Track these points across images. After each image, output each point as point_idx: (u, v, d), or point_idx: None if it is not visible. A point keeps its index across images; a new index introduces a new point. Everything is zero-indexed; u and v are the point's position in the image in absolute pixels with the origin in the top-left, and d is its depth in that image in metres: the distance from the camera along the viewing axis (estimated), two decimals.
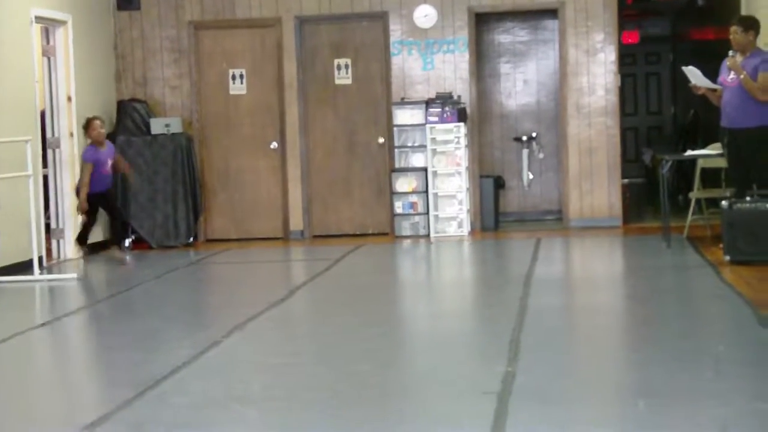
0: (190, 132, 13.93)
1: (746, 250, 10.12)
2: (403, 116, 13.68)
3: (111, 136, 12.97)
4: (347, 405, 5.93)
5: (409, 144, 13.71)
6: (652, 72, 20.36)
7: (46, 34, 12.68)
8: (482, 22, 14.48)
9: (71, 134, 12.74)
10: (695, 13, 17.95)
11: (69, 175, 12.70)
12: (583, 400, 5.93)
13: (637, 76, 20.24)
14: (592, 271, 11.40)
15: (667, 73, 20.14)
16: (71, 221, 12.69)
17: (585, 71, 13.78)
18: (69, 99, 12.74)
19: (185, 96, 14.10)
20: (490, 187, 13.95)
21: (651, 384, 6.07)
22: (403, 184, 13.63)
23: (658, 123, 20.30)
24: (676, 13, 19.30)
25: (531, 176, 14.83)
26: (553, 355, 6.98)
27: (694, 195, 12.19)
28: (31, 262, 11.03)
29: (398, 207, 13.64)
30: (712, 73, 10.85)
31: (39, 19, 12.19)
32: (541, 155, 14.84)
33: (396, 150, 13.74)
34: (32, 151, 11.22)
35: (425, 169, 13.56)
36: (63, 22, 12.67)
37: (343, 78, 14.03)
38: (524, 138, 14.81)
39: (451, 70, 13.89)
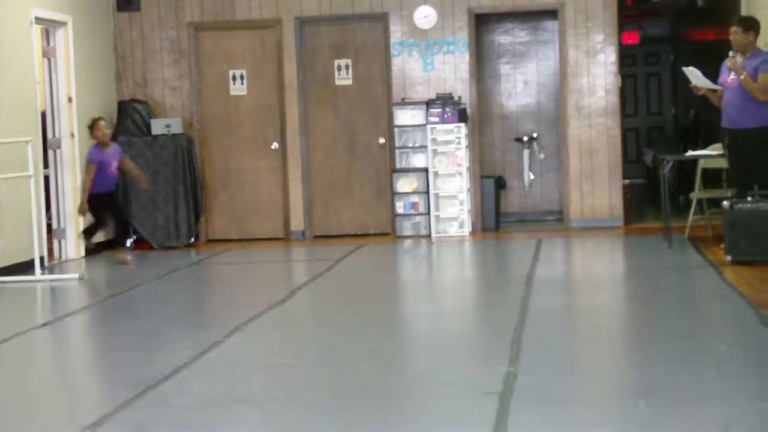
0: (191, 133, 13.93)
1: (747, 250, 10.12)
2: (404, 117, 13.68)
3: (112, 137, 12.94)
4: (348, 405, 5.93)
5: (410, 144, 13.72)
6: (653, 73, 20.37)
7: (47, 35, 12.68)
8: (482, 23, 14.48)
9: (72, 135, 12.74)
10: (695, 14, 17.95)
11: (70, 176, 12.70)
12: (585, 400, 5.92)
13: (638, 76, 20.25)
14: (593, 272, 11.40)
15: (667, 73, 20.15)
16: (72, 221, 12.69)
17: (585, 72, 13.79)
18: (69, 100, 12.75)
19: (185, 97, 14.10)
20: (491, 188, 13.96)
21: (652, 384, 6.07)
22: (404, 184, 13.64)
23: (659, 123, 20.31)
24: (676, 13, 19.30)
25: (532, 177, 14.83)
26: (555, 356, 6.98)
27: (695, 195, 12.19)
28: (32, 262, 11.04)
29: (399, 207, 13.64)
30: (712, 74, 10.85)
31: (39, 20, 12.20)
32: (541, 156, 14.85)
33: (397, 150, 13.74)
34: (33, 151, 11.22)
35: (426, 170, 13.56)
36: (63, 23, 12.67)
37: (344, 79, 14.03)
38: (525, 138, 14.81)
39: (451, 70, 13.89)
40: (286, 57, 13.97)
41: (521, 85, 15.07)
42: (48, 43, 12.69)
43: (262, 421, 5.74)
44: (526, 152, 14.79)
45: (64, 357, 8.09)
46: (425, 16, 13.86)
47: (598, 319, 8.27)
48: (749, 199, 10.26)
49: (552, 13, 14.20)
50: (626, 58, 18.75)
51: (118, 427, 5.68)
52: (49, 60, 12.69)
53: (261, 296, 9.86)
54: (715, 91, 10.84)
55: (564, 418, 5.52)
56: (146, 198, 13.38)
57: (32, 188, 11.09)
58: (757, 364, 6.53)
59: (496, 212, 13.98)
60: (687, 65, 11.14)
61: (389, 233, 13.85)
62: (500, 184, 14.30)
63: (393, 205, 13.71)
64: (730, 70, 10.53)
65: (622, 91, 14.63)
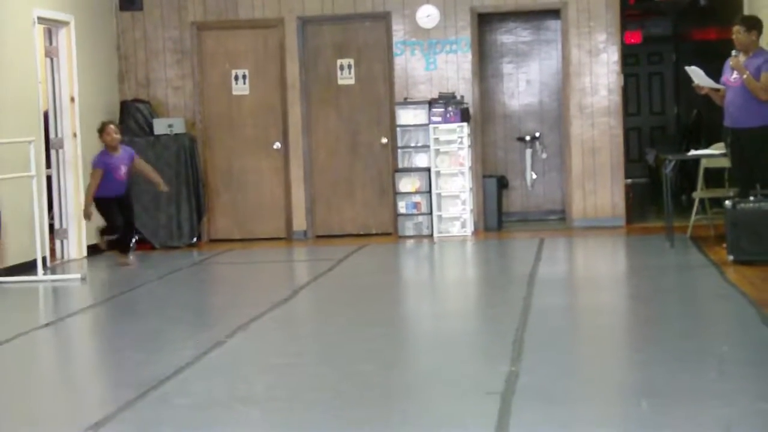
0: (193, 132, 13.93)
1: (750, 249, 10.11)
2: (406, 116, 13.68)
3: None
4: (350, 405, 5.93)
5: (412, 144, 13.72)
6: (655, 72, 20.35)
7: (49, 35, 12.68)
8: (485, 22, 14.48)
9: (74, 135, 12.75)
10: (698, 13, 17.94)
11: (72, 176, 12.71)
12: (587, 400, 5.92)
13: (640, 76, 20.24)
14: (595, 271, 11.40)
15: (670, 73, 20.13)
16: (75, 222, 12.69)
17: (588, 71, 13.78)
18: (72, 100, 12.75)
19: (188, 97, 14.11)
20: (494, 187, 13.96)
21: (654, 384, 6.07)
22: (407, 184, 13.64)
23: (661, 123, 20.30)
24: (678, 13, 19.29)
25: (534, 176, 14.83)
26: (557, 355, 6.98)
27: (697, 195, 12.19)
28: (34, 262, 11.04)
29: (401, 207, 13.64)
30: (715, 73, 10.85)
31: (41, 20, 12.20)
32: (544, 155, 14.84)
33: (399, 150, 13.74)
34: (35, 151, 11.22)
35: (428, 169, 13.56)
36: (65, 23, 12.68)
37: (346, 78, 14.03)
38: (527, 138, 14.81)
39: (453, 70, 13.89)
40: (289, 56, 13.97)
41: (524, 84, 15.07)
42: (50, 43, 12.70)
43: (264, 421, 5.74)
44: (528, 152, 14.79)
45: (67, 357, 8.09)
46: (428, 16, 13.86)
47: (600, 319, 8.27)
48: (751, 198, 10.26)
49: (555, 13, 14.20)
50: (629, 58, 18.73)
51: (120, 427, 5.68)
52: (51, 60, 12.70)
53: (263, 296, 9.86)
54: (717, 90, 10.84)
55: (566, 417, 5.52)
56: (148, 198, 13.38)
57: (34, 188, 11.09)
58: (759, 364, 6.53)
59: (498, 212, 13.98)
60: (689, 64, 11.14)
61: (391, 233, 13.85)
62: (502, 183, 14.30)
63: (395, 205, 13.71)
64: (732, 69, 10.53)
65: (625, 91, 14.64)
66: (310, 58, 14.06)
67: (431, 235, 13.49)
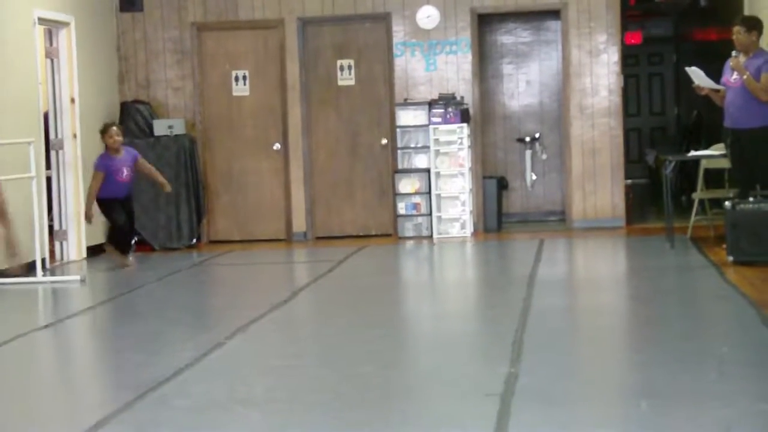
0: (193, 133, 13.93)
1: (750, 250, 10.11)
2: (406, 117, 13.68)
3: None
4: (350, 407, 5.92)
5: (412, 145, 13.71)
6: (655, 73, 20.34)
7: (49, 35, 12.68)
8: (485, 23, 14.47)
9: (74, 136, 12.74)
10: (698, 14, 17.94)
11: (72, 177, 12.70)
12: (586, 401, 5.92)
13: (640, 76, 20.23)
14: (595, 272, 11.40)
15: (670, 73, 20.12)
16: (74, 223, 12.69)
17: (588, 72, 13.78)
18: (72, 101, 12.75)
19: (188, 97, 14.10)
20: (493, 188, 13.95)
21: (654, 385, 6.06)
22: (406, 185, 13.63)
23: (662, 124, 20.29)
24: (679, 13, 19.29)
25: (534, 177, 14.82)
26: (556, 356, 6.98)
27: (697, 195, 12.18)
28: (34, 263, 11.04)
29: (401, 208, 13.64)
30: (715, 74, 10.85)
31: (42, 20, 12.20)
32: (544, 156, 14.83)
33: (399, 151, 13.74)
34: (35, 152, 11.22)
35: (428, 170, 13.55)
36: (66, 24, 12.68)
37: (346, 79, 14.03)
38: (527, 139, 14.80)
39: (453, 71, 13.88)
40: (289, 57, 13.97)
41: (524, 85, 15.07)
42: (51, 44, 12.70)
43: (264, 423, 5.73)
44: (528, 152, 14.78)
45: (66, 359, 8.09)
46: (428, 16, 13.85)
47: (599, 320, 8.27)
48: (751, 199, 10.26)
49: (555, 13, 14.20)
50: (629, 58, 18.72)
51: (119, 428, 5.68)
52: (51, 61, 12.70)
53: (263, 298, 9.86)
54: (717, 91, 10.84)
55: (565, 419, 5.52)
56: (148, 199, 13.37)
57: (34, 189, 11.09)
58: (759, 365, 6.53)
59: (498, 213, 13.97)
60: (690, 65, 11.14)
61: (391, 234, 13.85)
62: (502, 184, 14.30)
63: (395, 206, 13.71)
64: (732, 70, 10.52)
65: (625, 91, 14.63)
66: (310, 59, 14.06)
67: (431, 236, 13.48)
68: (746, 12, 12.70)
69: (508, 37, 15.05)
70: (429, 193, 13.53)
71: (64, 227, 12.73)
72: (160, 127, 13.63)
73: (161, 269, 11.78)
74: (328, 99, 14.06)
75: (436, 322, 8.60)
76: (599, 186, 13.76)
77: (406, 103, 13.74)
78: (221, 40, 14.10)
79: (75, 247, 12.73)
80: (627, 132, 16.29)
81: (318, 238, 14.03)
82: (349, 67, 14.01)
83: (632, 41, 19.19)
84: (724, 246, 10.48)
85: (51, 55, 12.69)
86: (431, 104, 13.54)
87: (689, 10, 18.29)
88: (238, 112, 14.09)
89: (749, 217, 10.14)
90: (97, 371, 7.50)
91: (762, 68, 10.36)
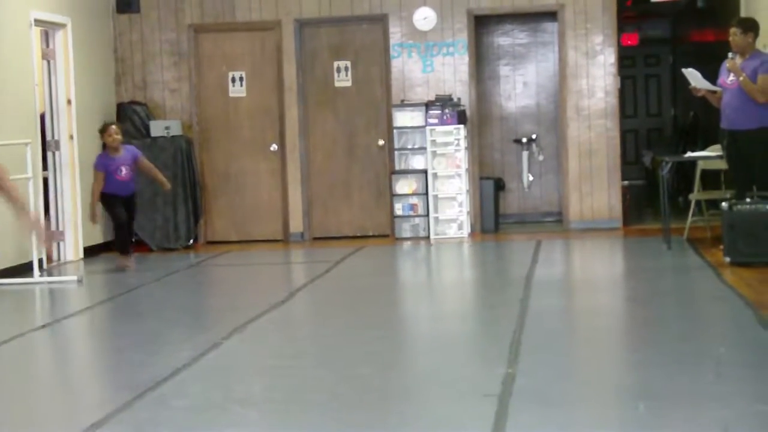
0: (190, 135, 13.93)
1: (746, 251, 10.12)
2: (403, 118, 13.69)
3: None
4: (348, 407, 5.93)
5: (409, 146, 13.72)
6: (652, 74, 20.36)
7: (46, 37, 12.68)
8: (481, 24, 14.48)
9: (71, 137, 12.74)
10: (695, 15, 17.95)
11: (69, 178, 12.70)
12: (584, 402, 5.93)
13: (637, 78, 20.25)
14: (592, 273, 11.40)
15: (666, 75, 20.15)
16: (71, 224, 12.68)
17: (584, 73, 13.79)
18: (69, 102, 12.74)
19: (185, 99, 14.10)
20: (490, 189, 13.96)
21: (651, 386, 6.07)
22: (403, 186, 13.64)
23: (658, 125, 20.31)
24: (675, 14, 19.30)
25: (531, 178, 14.83)
26: (554, 357, 6.98)
27: (694, 197, 12.19)
28: (31, 264, 11.04)
29: (398, 209, 13.64)
30: (711, 75, 10.86)
31: (38, 22, 12.20)
32: (541, 157, 14.84)
33: (396, 152, 13.74)
34: (32, 153, 11.23)
35: (425, 171, 13.56)
36: (62, 25, 12.67)
37: (343, 80, 14.03)
38: (524, 140, 14.80)
39: (450, 72, 13.89)
40: (286, 59, 13.97)
41: (520, 86, 15.07)
42: (47, 45, 12.69)
43: (262, 423, 5.74)
44: (525, 154, 14.78)
45: (63, 359, 8.08)
46: (425, 18, 13.86)
47: (597, 321, 8.27)
48: (748, 200, 10.27)
49: (551, 15, 14.20)
50: (625, 60, 18.74)
51: (117, 429, 5.68)
52: (48, 62, 12.69)
53: (260, 298, 9.86)
54: (714, 92, 10.84)
55: (563, 420, 5.53)
56: (145, 200, 13.35)
57: (31, 190, 11.09)
58: (757, 366, 6.53)
59: (495, 214, 13.98)
60: (686, 66, 11.15)
61: (388, 235, 13.85)
62: (499, 185, 14.30)
63: (392, 207, 13.71)
64: (729, 71, 10.53)
65: (622, 93, 14.64)
66: (307, 61, 14.06)
67: (428, 237, 13.49)
68: (743, 13, 12.71)
69: (505, 38, 15.06)
70: (426, 194, 13.54)
71: (61, 228, 12.72)
72: (156, 128, 13.63)
73: (159, 270, 11.78)
74: (325, 100, 14.06)
75: (433, 323, 8.61)
76: (596, 187, 13.78)
77: (403, 105, 13.74)
78: (218, 41, 14.10)
79: (72, 247, 12.72)
80: (624, 133, 16.32)
81: (315, 238, 14.04)
82: (346, 69, 14.02)
83: (629, 42, 19.21)
84: (721, 247, 10.49)
85: (48, 56, 12.68)
86: (428, 105, 13.55)
87: (686, 11, 18.30)
88: (235, 113, 14.10)
89: (746, 219, 10.15)
90: (95, 371, 7.50)
91: (758, 70, 10.36)
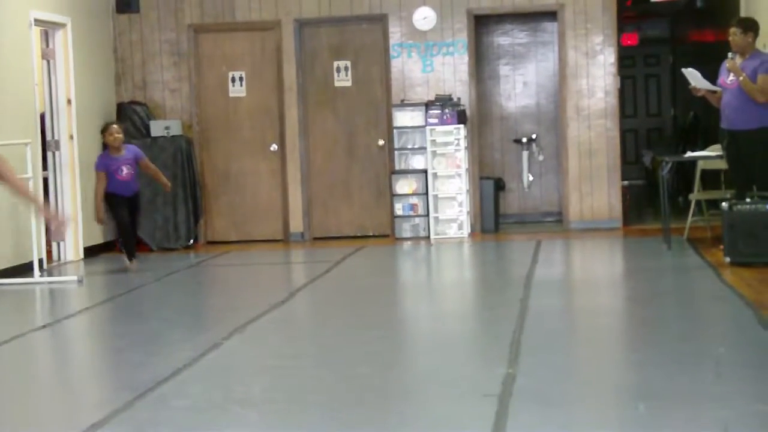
0: (190, 134, 13.93)
1: (747, 251, 10.12)
2: (403, 118, 13.69)
3: None
4: (348, 407, 5.93)
5: (409, 146, 13.72)
6: (652, 74, 20.38)
7: (46, 36, 12.68)
8: (481, 24, 14.48)
9: (71, 137, 12.74)
10: (694, 15, 17.97)
11: (69, 178, 12.70)
12: (584, 402, 5.93)
13: (637, 78, 20.27)
14: (592, 273, 11.40)
15: (666, 75, 20.16)
16: (71, 223, 12.67)
17: (584, 73, 13.79)
18: (69, 102, 12.75)
19: (185, 99, 14.10)
20: (490, 189, 13.96)
21: (651, 386, 6.07)
22: (403, 186, 13.64)
23: (658, 125, 20.32)
24: (675, 14, 19.31)
25: (531, 178, 14.83)
26: (554, 357, 6.98)
27: (694, 196, 12.19)
28: (31, 264, 11.04)
29: (398, 209, 13.64)
30: (711, 75, 10.86)
31: (38, 22, 12.20)
32: (541, 157, 14.84)
33: (396, 152, 13.75)
34: (32, 153, 11.22)
35: (425, 171, 13.56)
36: (62, 25, 12.68)
37: (343, 80, 14.03)
38: (524, 140, 14.80)
39: (450, 72, 13.89)
40: (286, 59, 13.97)
41: (520, 86, 15.07)
42: (47, 45, 12.70)
43: (262, 423, 5.74)
44: (525, 153, 14.78)
45: (64, 359, 8.08)
46: (424, 18, 13.86)
47: (597, 321, 8.27)
48: (748, 200, 10.27)
49: (551, 15, 14.20)
50: (625, 60, 18.76)
51: (118, 429, 5.68)
52: (48, 62, 12.69)
53: (260, 298, 9.86)
54: (714, 92, 10.84)
55: (563, 420, 5.53)
56: (145, 200, 13.32)
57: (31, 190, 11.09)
58: (757, 366, 6.53)
59: (495, 214, 13.98)
60: (686, 66, 11.15)
61: (388, 235, 13.85)
62: (499, 185, 14.30)
63: (392, 207, 13.71)
64: (729, 71, 10.53)
65: (622, 93, 14.64)
66: (306, 60, 14.06)
67: (428, 237, 13.49)
68: (742, 13, 12.71)
69: (505, 38, 15.06)
70: (426, 193, 13.54)
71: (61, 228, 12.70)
72: (156, 128, 13.63)
73: (159, 270, 11.78)
74: (325, 100, 14.06)
75: (433, 322, 8.61)
76: (596, 187, 13.78)
77: (403, 105, 13.74)
78: (218, 41, 14.10)
79: (72, 247, 12.72)
80: (624, 133, 16.33)
81: (315, 238, 14.04)
82: (346, 69, 14.02)
83: (628, 42, 19.23)
84: (721, 247, 10.49)
85: (47, 56, 12.69)
86: (428, 105, 13.55)
87: (685, 11, 18.31)
88: (234, 113, 14.10)
89: (746, 219, 10.15)
90: (95, 371, 7.50)
91: (758, 69, 10.36)
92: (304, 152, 14.02)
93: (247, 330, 8.13)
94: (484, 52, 14.92)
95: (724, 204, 10.33)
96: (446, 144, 13.49)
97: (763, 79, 10.32)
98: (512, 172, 14.92)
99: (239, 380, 6.66)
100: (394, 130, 13.71)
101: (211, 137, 14.10)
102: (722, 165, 11.41)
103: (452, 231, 13.51)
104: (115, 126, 11.88)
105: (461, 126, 13.46)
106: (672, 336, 7.51)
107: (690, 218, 12.13)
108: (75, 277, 11.22)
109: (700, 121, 17.26)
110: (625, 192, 14.00)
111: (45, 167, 12.55)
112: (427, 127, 13.48)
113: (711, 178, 12.45)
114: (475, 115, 13.99)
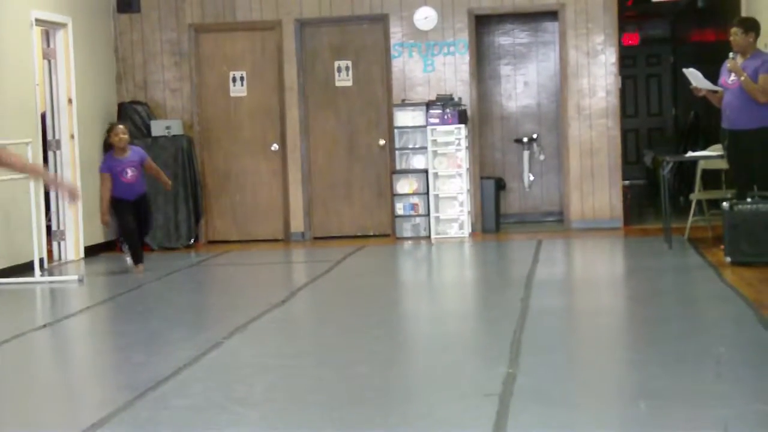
0: (191, 134, 13.93)
1: (747, 251, 10.12)
2: (404, 118, 13.69)
3: None
4: (348, 407, 5.93)
5: (410, 146, 13.72)
6: (653, 74, 20.38)
7: (47, 36, 12.69)
8: (482, 24, 14.48)
9: (72, 136, 12.75)
10: (696, 15, 17.96)
11: (70, 178, 12.70)
12: (584, 401, 5.92)
13: (638, 77, 20.27)
14: (593, 273, 11.40)
15: (667, 74, 20.16)
16: (72, 223, 12.69)
17: (585, 73, 13.79)
18: (69, 101, 12.75)
19: (186, 99, 14.11)
20: (491, 189, 13.96)
21: (652, 385, 6.07)
22: (404, 185, 13.64)
23: (659, 125, 20.32)
24: (676, 14, 19.31)
25: (532, 178, 14.83)
26: (555, 357, 6.98)
27: (695, 196, 12.19)
28: (32, 263, 11.04)
29: (399, 209, 13.64)
30: (712, 75, 10.86)
31: (39, 21, 12.20)
32: (541, 157, 14.84)
33: (397, 152, 13.75)
34: (33, 153, 11.22)
35: (426, 171, 13.56)
36: (63, 25, 12.68)
37: (344, 80, 14.03)
38: (525, 140, 14.81)
39: (451, 72, 13.89)
40: (286, 59, 13.97)
41: (521, 86, 15.07)
42: (48, 45, 12.70)
43: (262, 422, 5.74)
44: (526, 153, 14.79)
45: (64, 358, 8.09)
46: (425, 18, 13.86)
47: (597, 321, 8.27)
48: (749, 200, 10.26)
49: (552, 14, 14.21)
50: (626, 59, 18.76)
51: (118, 428, 5.68)
52: (49, 61, 12.70)
53: (261, 298, 9.86)
54: (715, 92, 10.84)
55: (563, 419, 5.52)
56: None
57: (32, 190, 11.10)
58: (757, 366, 6.53)
59: (496, 213, 13.98)
60: (687, 66, 11.15)
61: (389, 234, 13.85)
62: (500, 185, 14.30)
63: (393, 207, 13.71)
64: (730, 71, 10.53)
65: (623, 92, 14.64)
66: (307, 60, 14.06)
67: (429, 237, 13.49)
68: (744, 13, 12.71)
69: (506, 38, 15.06)
70: (427, 193, 13.54)
71: (62, 227, 12.73)
72: (157, 128, 13.64)
73: (159, 269, 11.77)
74: (325, 100, 14.06)
75: (434, 322, 8.60)
76: (597, 187, 13.77)
77: (404, 104, 13.74)
78: (219, 41, 14.10)
79: (73, 247, 12.73)
80: (625, 133, 16.34)
81: (316, 238, 14.04)
82: (347, 68, 14.02)
83: (630, 42, 19.23)
84: (722, 247, 10.48)
85: (48, 56, 12.69)
86: (429, 105, 13.55)
87: (687, 11, 18.31)
88: (235, 113, 14.10)
89: (747, 218, 10.15)
90: (95, 371, 7.50)
91: (759, 69, 10.36)
92: (304, 152, 14.02)
93: (248, 329, 8.13)
94: (485, 51, 14.92)
95: (724, 204, 10.33)
96: (447, 144, 13.49)
97: (764, 79, 10.32)
98: (513, 171, 14.92)
99: (240, 380, 6.66)
100: (395, 130, 13.71)
101: (212, 137, 14.10)
102: (723, 165, 11.41)
103: (453, 231, 13.51)
104: (120, 126, 11.66)
105: (462, 126, 13.46)
106: (672, 335, 7.51)
107: (691, 218, 12.13)
108: (75, 277, 11.22)
109: (701, 120, 17.26)
110: (626, 192, 14.01)
111: (46, 166, 12.54)
112: (428, 127, 13.48)
113: (712, 178, 12.45)
114: (476, 114, 13.99)
